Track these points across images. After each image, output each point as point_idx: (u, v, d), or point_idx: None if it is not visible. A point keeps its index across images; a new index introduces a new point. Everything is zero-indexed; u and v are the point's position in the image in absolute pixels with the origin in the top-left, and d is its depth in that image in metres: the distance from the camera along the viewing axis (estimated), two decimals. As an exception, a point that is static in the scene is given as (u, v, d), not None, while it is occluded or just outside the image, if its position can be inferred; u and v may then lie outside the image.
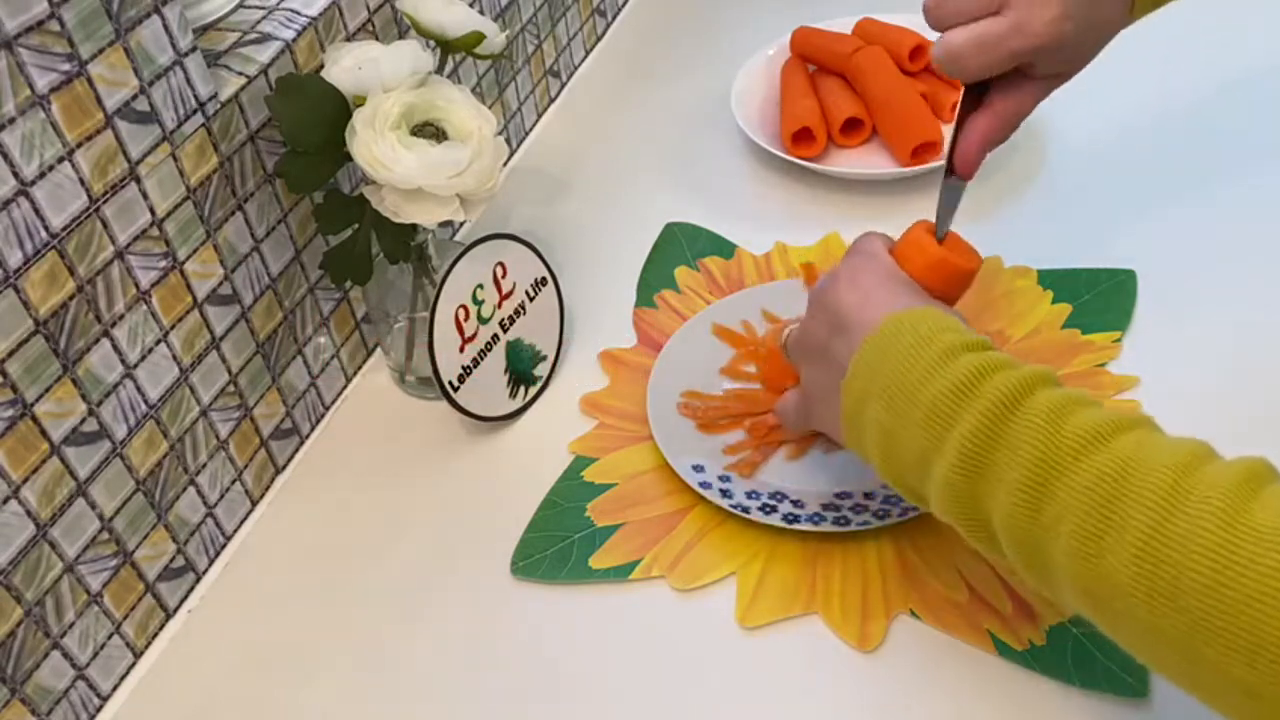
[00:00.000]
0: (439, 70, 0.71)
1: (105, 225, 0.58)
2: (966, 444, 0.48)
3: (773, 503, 0.67)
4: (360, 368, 0.83)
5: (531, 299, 0.77)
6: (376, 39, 0.77)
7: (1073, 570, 0.44)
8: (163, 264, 0.63)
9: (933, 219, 0.64)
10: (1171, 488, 0.42)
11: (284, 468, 0.76)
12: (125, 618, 0.64)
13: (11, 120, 0.52)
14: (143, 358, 0.62)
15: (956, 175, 0.63)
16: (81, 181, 0.56)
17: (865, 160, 0.94)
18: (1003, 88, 0.61)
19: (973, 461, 0.48)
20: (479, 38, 0.70)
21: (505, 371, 0.76)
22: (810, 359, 0.61)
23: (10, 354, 0.54)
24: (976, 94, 0.62)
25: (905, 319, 0.53)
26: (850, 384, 0.55)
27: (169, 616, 0.68)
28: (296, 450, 0.77)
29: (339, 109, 0.66)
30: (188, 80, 0.62)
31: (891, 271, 0.59)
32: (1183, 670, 0.42)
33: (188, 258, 0.64)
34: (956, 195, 0.64)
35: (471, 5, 0.84)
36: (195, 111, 0.63)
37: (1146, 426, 0.46)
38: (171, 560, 0.67)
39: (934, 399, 0.49)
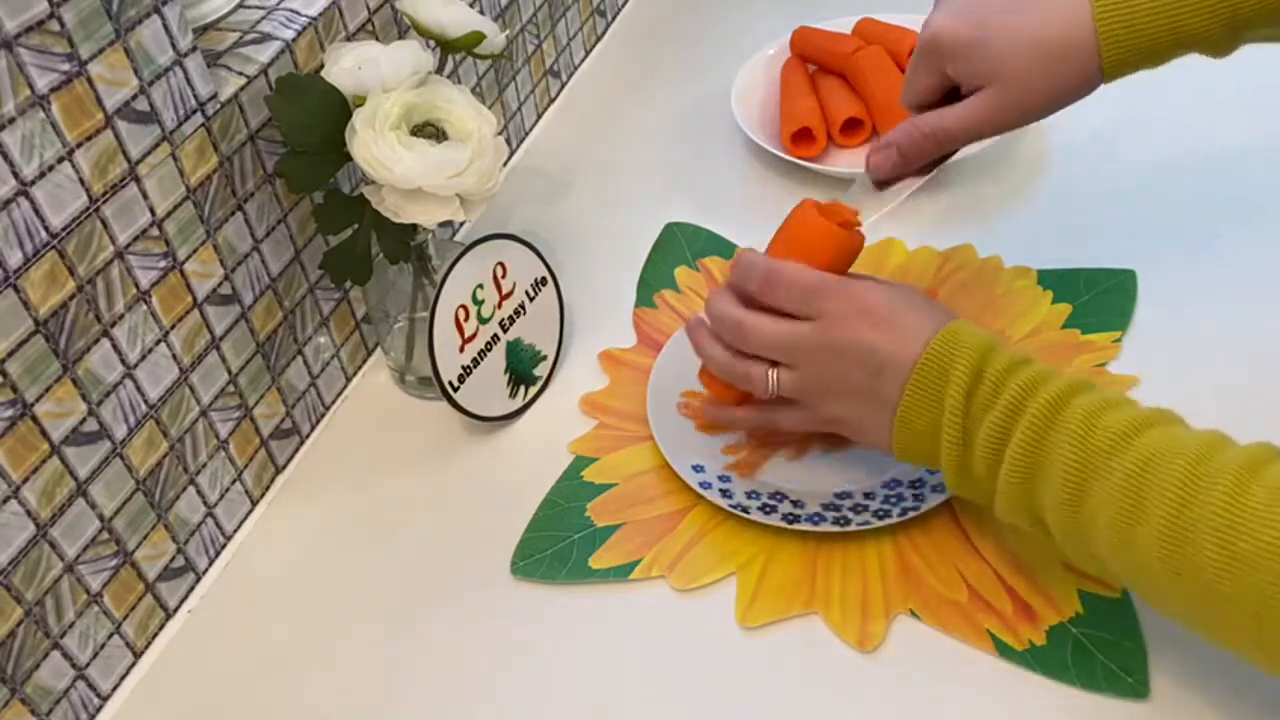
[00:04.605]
0: (439, 70, 0.71)
1: (105, 225, 0.58)
2: (1018, 454, 0.53)
3: (773, 503, 0.67)
4: (360, 368, 0.83)
5: (531, 299, 0.77)
6: (376, 39, 0.77)
7: (1111, 556, 0.51)
8: (163, 264, 0.63)
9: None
10: (1185, 478, 0.48)
11: (284, 468, 0.76)
12: (125, 618, 0.64)
13: (11, 120, 0.52)
14: (143, 358, 0.62)
15: (874, 182, 0.67)
16: (81, 181, 0.56)
17: (865, 160, 0.94)
18: (936, 109, 0.64)
19: (1023, 469, 0.54)
20: (479, 38, 0.70)
21: (505, 371, 0.76)
22: (840, 397, 0.61)
23: (10, 354, 0.54)
24: None
25: (944, 352, 0.57)
26: (907, 419, 0.58)
27: (169, 616, 0.68)
28: (296, 450, 0.77)
29: (339, 109, 0.66)
30: (188, 80, 0.62)
31: (890, 289, 0.61)
32: (1208, 628, 0.49)
33: (188, 258, 0.64)
34: (868, 197, 0.67)
35: (471, 5, 0.84)
36: (195, 111, 0.63)
37: (1169, 422, 0.52)
38: (171, 560, 0.67)
39: (991, 426, 0.55)
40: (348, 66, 0.66)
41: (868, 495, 0.67)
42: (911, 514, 0.65)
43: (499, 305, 0.75)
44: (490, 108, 0.92)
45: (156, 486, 0.65)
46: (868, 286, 0.61)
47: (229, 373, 0.69)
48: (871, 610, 0.62)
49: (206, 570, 0.70)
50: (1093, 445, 0.51)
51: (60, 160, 0.55)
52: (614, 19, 1.18)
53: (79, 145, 0.56)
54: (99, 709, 0.63)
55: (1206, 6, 0.56)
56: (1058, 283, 0.78)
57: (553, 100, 1.07)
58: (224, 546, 0.71)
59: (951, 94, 0.64)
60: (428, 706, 0.62)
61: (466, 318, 0.72)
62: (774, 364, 0.62)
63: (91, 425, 0.60)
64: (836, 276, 0.62)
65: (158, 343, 0.63)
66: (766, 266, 0.62)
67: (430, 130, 0.67)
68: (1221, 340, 0.73)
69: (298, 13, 0.71)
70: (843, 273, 0.63)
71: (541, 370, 0.79)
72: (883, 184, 0.67)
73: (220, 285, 0.67)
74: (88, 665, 0.62)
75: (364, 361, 0.83)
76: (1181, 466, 0.48)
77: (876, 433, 0.61)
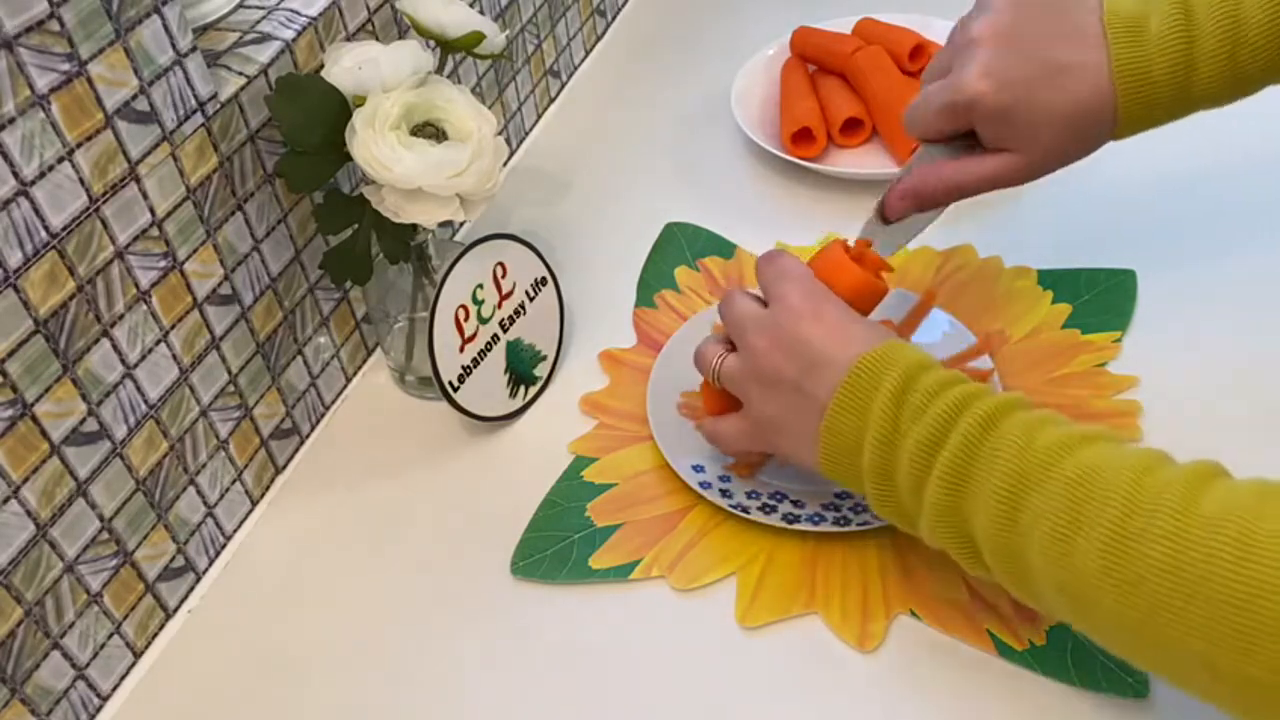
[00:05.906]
0: (439, 70, 0.71)
1: (105, 225, 0.58)
2: (949, 464, 0.52)
3: (773, 503, 0.67)
4: (360, 368, 0.83)
5: (531, 299, 0.77)
6: (376, 39, 0.77)
7: (1048, 570, 0.48)
8: (163, 264, 0.63)
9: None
10: (1131, 487, 0.46)
11: (284, 468, 0.76)
12: (125, 618, 0.64)
13: (11, 120, 0.52)
14: (143, 358, 0.62)
15: (882, 217, 0.68)
16: (81, 181, 0.56)
17: (865, 160, 0.94)
18: (957, 160, 0.65)
19: (955, 479, 0.52)
20: (479, 38, 0.70)
21: (505, 371, 0.76)
22: (770, 391, 0.60)
23: (10, 354, 0.54)
24: (935, 156, 0.66)
25: (880, 360, 0.56)
26: (835, 424, 0.57)
27: (169, 616, 0.68)
28: (296, 450, 0.77)
29: (339, 109, 0.66)
30: (188, 80, 0.62)
31: (842, 304, 0.61)
32: (1149, 653, 0.47)
33: (188, 258, 0.64)
34: (880, 231, 0.69)
35: (471, 5, 0.84)
36: (195, 111, 0.63)
37: (1109, 439, 0.50)
38: (171, 560, 0.67)
39: (921, 435, 0.53)
40: (348, 66, 0.66)
41: (868, 495, 0.67)
42: (911, 514, 0.65)
43: (499, 305, 0.75)
44: (490, 108, 0.92)
45: (156, 486, 0.65)
46: (838, 302, 0.61)
47: (229, 373, 0.69)
48: (871, 610, 0.62)
49: (206, 570, 0.70)
50: (1031, 456, 0.49)
51: (60, 160, 0.55)
52: (614, 19, 1.18)
53: (79, 145, 0.56)
54: (99, 709, 0.63)
55: (1211, 72, 0.60)
56: (1058, 283, 0.78)
57: (553, 100, 1.07)
58: (224, 546, 0.71)
59: (963, 134, 0.65)
60: (427, 706, 0.62)
61: (466, 318, 0.72)
62: (731, 349, 0.64)
63: (91, 425, 0.60)
64: (811, 274, 0.62)
65: (158, 343, 0.63)
66: (775, 251, 0.64)
67: (430, 130, 0.67)
68: (1221, 340, 0.73)
69: (298, 13, 0.71)
70: (864, 315, 0.63)
71: (541, 370, 0.79)
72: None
73: (220, 285, 0.67)
74: (88, 665, 0.62)
75: (364, 361, 0.83)
76: (1126, 477, 0.46)
77: (802, 436, 0.59)
